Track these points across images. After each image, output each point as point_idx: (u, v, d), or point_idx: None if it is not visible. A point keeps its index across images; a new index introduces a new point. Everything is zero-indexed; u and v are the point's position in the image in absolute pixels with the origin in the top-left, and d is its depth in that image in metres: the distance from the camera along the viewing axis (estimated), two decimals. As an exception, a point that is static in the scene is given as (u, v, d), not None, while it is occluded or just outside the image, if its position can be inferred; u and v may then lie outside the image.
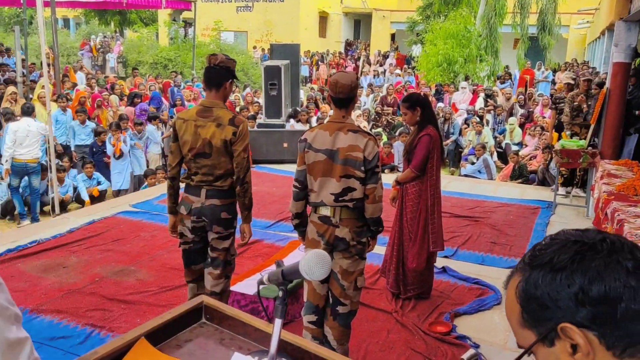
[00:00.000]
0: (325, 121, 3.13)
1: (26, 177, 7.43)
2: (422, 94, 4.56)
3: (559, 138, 7.80)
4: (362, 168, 2.97)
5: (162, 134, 9.75)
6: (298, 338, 1.20)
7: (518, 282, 0.84)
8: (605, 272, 0.76)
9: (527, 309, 0.82)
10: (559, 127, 8.30)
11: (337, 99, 3.01)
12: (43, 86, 9.12)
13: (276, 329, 1.13)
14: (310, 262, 1.18)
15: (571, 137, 7.48)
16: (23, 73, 11.77)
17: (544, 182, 8.87)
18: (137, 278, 4.77)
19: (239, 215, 3.42)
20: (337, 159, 2.98)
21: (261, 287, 1.35)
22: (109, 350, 1.08)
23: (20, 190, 7.50)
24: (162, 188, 7.87)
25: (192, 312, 1.28)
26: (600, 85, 7.72)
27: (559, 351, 0.80)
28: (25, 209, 7.58)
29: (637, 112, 7.04)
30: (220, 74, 3.29)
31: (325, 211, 3.04)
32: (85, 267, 4.96)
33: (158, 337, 1.18)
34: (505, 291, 0.88)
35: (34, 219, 7.37)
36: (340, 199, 3.00)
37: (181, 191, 3.47)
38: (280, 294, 1.19)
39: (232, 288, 3.84)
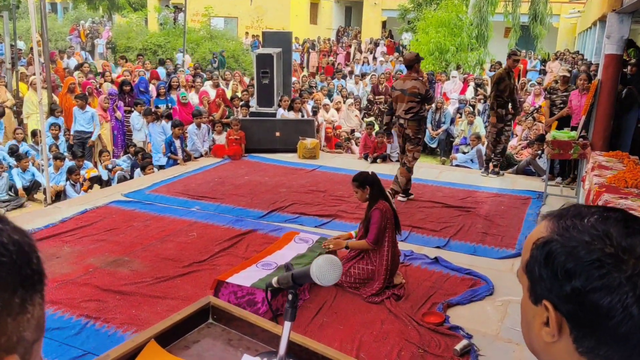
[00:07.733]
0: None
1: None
2: (370, 172, 4.62)
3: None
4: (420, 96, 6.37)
5: (147, 123, 9.31)
6: (306, 339, 1.21)
7: (547, 239, 0.79)
8: (618, 288, 0.72)
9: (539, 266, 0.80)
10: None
11: None
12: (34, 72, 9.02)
13: (285, 331, 1.14)
14: (322, 267, 1.19)
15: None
16: (12, 58, 11.64)
17: (524, 172, 8.93)
18: (131, 268, 4.76)
19: None
20: (405, 93, 6.33)
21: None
22: (121, 353, 1.09)
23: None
24: (153, 177, 7.84)
25: (200, 312, 1.29)
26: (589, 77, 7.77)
27: (536, 313, 0.81)
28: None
29: None
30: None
31: (401, 120, 6.47)
32: (79, 257, 4.94)
33: (167, 338, 1.19)
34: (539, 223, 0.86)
35: None
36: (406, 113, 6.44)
37: None
38: (290, 297, 1.20)
39: (228, 280, 3.86)
